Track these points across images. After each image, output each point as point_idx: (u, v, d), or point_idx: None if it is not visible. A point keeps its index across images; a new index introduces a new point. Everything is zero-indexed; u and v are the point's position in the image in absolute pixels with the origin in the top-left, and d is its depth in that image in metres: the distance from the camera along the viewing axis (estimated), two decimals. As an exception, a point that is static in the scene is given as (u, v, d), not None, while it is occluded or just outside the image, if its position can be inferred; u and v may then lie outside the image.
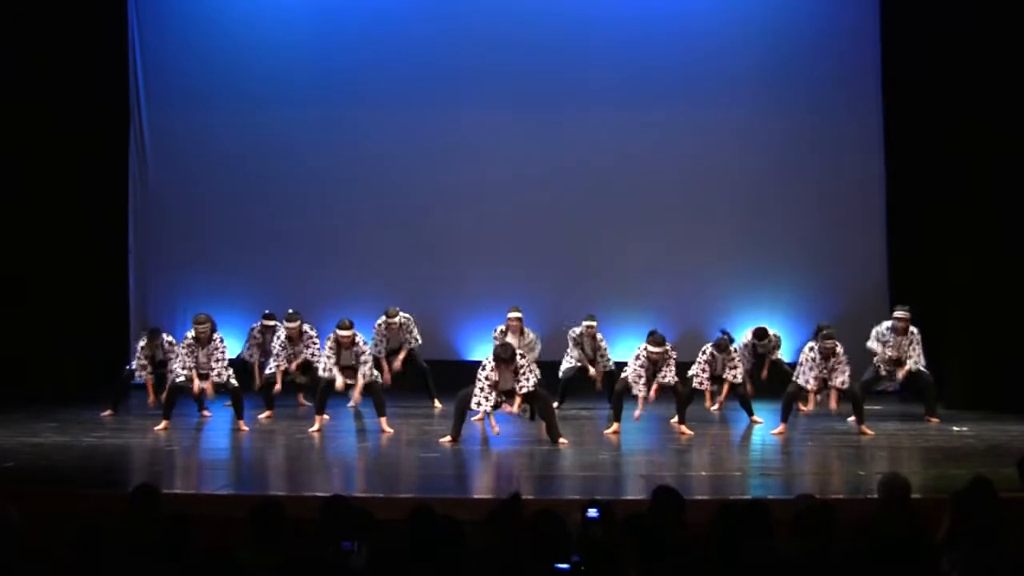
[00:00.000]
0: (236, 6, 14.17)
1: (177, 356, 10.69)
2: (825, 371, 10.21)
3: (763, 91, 13.75)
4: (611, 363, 11.59)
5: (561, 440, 9.50)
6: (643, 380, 10.14)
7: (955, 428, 10.57)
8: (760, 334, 11.72)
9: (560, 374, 11.74)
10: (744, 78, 13.73)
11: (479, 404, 9.63)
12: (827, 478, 8.23)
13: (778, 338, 11.91)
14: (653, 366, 10.17)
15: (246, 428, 10.39)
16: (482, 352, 10.33)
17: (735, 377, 10.78)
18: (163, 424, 10.27)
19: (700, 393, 10.91)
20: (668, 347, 10.27)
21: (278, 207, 13.90)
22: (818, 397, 10.31)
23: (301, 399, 12.24)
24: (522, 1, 13.97)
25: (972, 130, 12.25)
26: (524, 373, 9.67)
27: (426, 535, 4.43)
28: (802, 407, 10.36)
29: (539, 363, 11.19)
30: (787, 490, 7.35)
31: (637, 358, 10.22)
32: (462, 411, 9.68)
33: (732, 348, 10.87)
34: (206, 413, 11.26)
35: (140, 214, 14.11)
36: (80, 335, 12.95)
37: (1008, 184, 12.01)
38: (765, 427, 10.61)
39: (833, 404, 10.24)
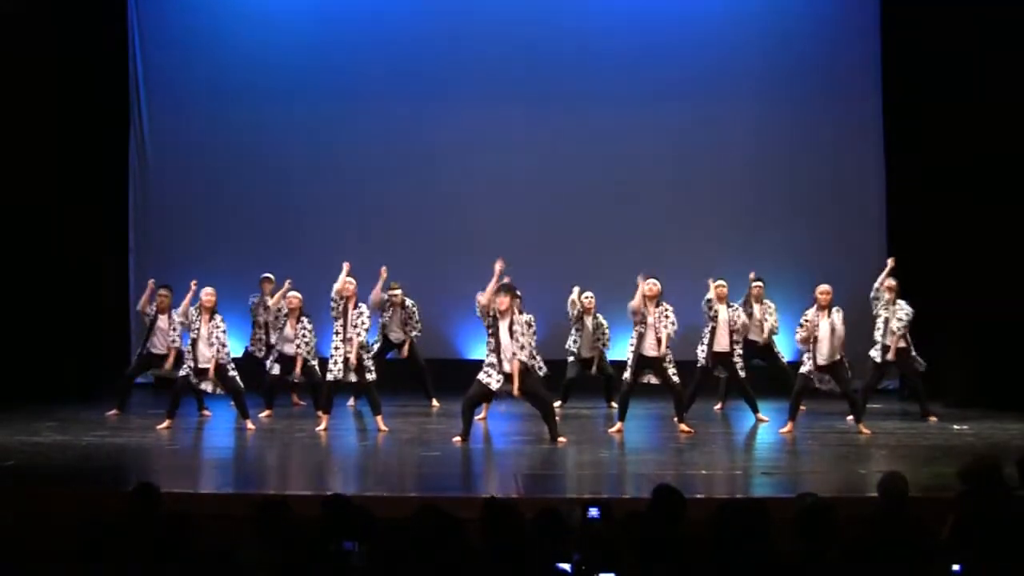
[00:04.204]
0: (236, 6, 14.17)
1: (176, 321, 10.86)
2: (826, 329, 10.19)
3: (763, 90, 13.78)
4: (608, 342, 11.71)
5: (560, 439, 9.50)
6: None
7: (955, 426, 10.58)
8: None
9: (566, 373, 11.83)
10: (744, 77, 13.76)
11: (487, 381, 9.58)
12: (828, 477, 8.22)
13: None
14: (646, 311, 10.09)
15: (253, 427, 10.39)
16: (482, 351, 10.34)
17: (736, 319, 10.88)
18: (167, 423, 10.30)
19: (701, 391, 10.93)
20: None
21: (278, 206, 13.92)
22: (826, 378, 10.31)
23: (296, 399, 12.29)
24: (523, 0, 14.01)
25: (973, 129, 12.24)
26: (520, 343, 9.60)
27: (427, 534, 4.43)
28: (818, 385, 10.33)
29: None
30: (788, 489, 7.35)
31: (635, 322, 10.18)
32: (469, 409, 9.67)
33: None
34: (206, 412, 11.28)
35: (140, 214, 14.12)
36: (80, 334, 12.95)
37: (1008, 184, 12.01)
38: (770, 426, 10.62)
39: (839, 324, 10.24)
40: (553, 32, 13.86)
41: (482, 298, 9.66)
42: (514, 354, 9.50)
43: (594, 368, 11.86)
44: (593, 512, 4.83)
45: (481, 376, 9.61)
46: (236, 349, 11.60)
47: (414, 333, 12.10)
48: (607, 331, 11.81)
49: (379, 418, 10.30)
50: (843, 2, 14.09)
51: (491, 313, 9.58)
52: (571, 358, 11.88)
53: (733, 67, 13.75)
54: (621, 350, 11.82)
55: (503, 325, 9.56)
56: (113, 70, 13.87)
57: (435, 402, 12.04)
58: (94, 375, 12.87)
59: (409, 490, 7.63)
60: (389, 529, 4.53)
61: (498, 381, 9.54)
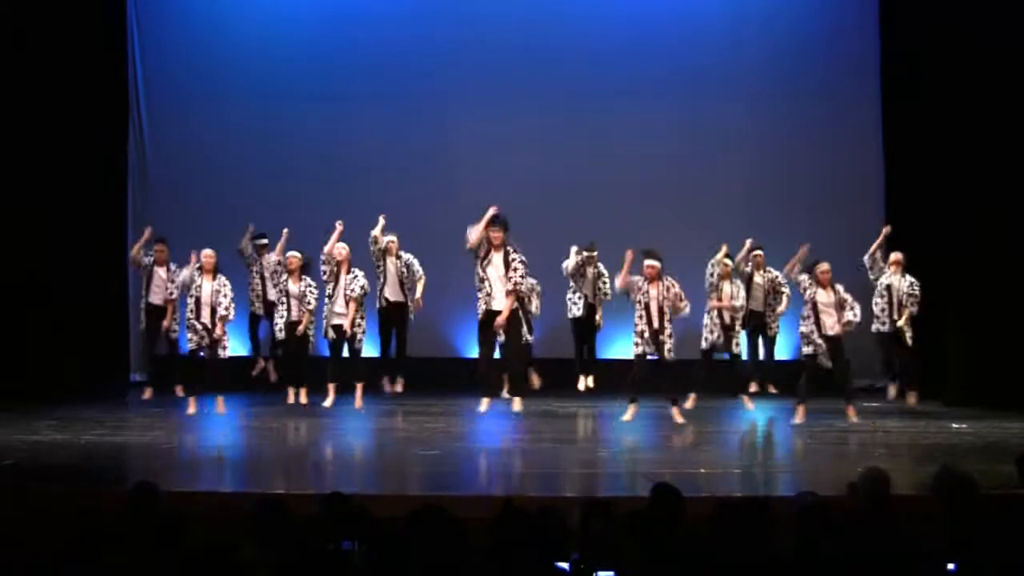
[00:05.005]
0: (236, 5, 14.18)
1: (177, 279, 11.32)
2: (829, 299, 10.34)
3: (763, 89, 13.80)
4: (609, 291, 11.85)
5: (515, 401, 9.56)
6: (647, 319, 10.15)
7: (954, 425, 10.58)
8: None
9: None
10: (744, 76, 13.77)
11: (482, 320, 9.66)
12: (827, 475, 8.21)
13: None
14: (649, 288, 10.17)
15: (224, 410, 10.83)
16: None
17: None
18: (179, 389, 11.12)
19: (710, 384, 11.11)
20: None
21: (278, 206, 13.89)
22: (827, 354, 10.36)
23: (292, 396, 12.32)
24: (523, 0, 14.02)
25: (973, 129, 12.24)
26: (515, 266, 9.63)
27: (427, 534, 4.42)
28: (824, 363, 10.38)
29: (539, 361, 11.24)
30: (787, 487, 7.35)
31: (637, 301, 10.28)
32: (486, 365, 9.90)
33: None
34: (191, 411, 11.26)
35: (140, 213, 14.12)
36: (80, 334, 12.94)
37: (1007, 183, 12.00)
38: (770, 424, 10.63)
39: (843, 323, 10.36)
40: (553, 33, 13.86)
41: (472, 235, 9.67)
42: (509, 291, 9.52)
43: (597, 318, 12.05)
44: (591, 511, 4.82)
45: (480, 318, 9.70)
46: (235, 348, 11.63)
47: (418, 282, 12.00)
48: (607, 280, 11.90)
49: (360, 386, 10.39)
50: (843, 2, 14.09)
51: (480, 252, 9.59)
52: (571, 316, 12.09)
53: (733, 66, 13.75)
54: (621, 349, 11.82)
55: (497, 258, 9.55)
56: (113, 70, 13.87)
57: (399, 385, 12.00)
58: (94, 374, 12.88)
59: (408, 489, 7.62)
60: (388, 528, 4.52)
61: (485, 313, 9.55)
